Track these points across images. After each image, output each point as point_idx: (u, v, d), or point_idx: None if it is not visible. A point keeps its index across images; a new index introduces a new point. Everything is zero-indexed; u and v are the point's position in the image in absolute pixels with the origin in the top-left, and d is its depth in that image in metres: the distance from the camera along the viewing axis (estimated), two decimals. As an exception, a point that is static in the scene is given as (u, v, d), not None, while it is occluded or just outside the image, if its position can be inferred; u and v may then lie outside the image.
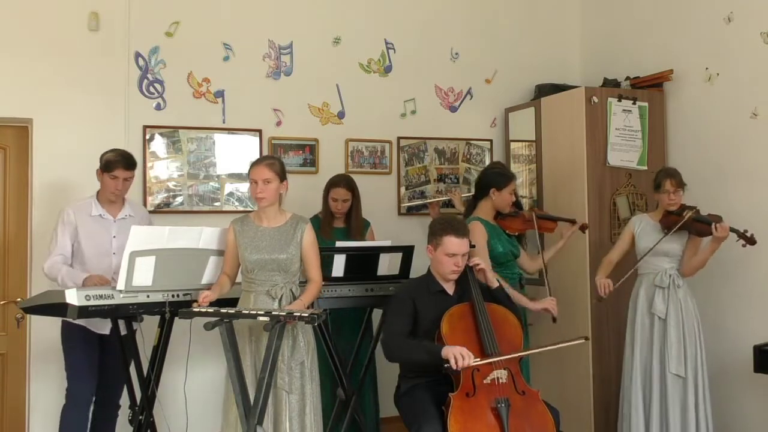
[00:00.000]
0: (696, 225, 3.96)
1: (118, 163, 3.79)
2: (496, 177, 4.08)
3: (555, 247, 4.22)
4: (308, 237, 3.55)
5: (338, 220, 4.54)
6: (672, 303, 4.00)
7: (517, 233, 4.21)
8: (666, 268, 4.04)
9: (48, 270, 3.75)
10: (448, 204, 5.08)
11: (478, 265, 3.50)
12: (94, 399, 3.84)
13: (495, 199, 4.04)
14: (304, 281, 3.60)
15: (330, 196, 4.49)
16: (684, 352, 3.96)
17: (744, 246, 3.87)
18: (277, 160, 3.58)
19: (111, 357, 3.83)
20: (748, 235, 3.84)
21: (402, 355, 3.36)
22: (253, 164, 3.56)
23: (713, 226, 3.87)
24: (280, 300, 3.47)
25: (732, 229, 3.87)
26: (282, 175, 3.53)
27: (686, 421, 3.93)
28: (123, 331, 3.65)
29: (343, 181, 4.52)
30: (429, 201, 5.02)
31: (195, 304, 3.37)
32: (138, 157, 4.54)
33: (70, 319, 3.49)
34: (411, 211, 5.23)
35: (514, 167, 5.35)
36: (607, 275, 4.12)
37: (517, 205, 4.23)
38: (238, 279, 3.63)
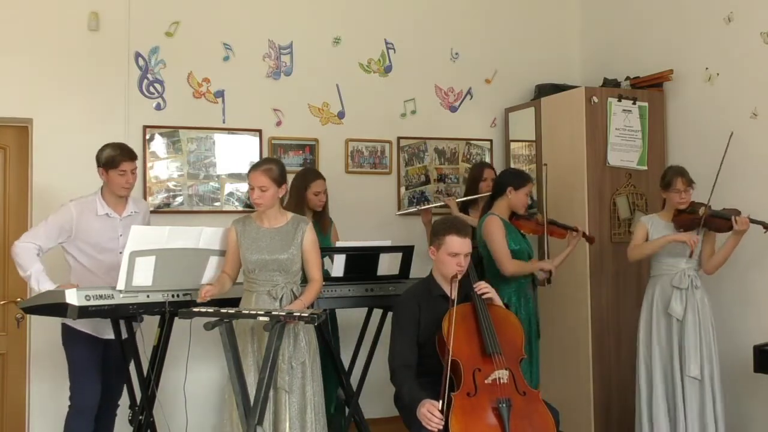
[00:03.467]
0: (714, 221, 3.91)
1: (122, 157, 3.72)
2: (514, 177, 4.19)
3: (561, 255, 4.24)
4: (309, 237, 3.55)
5: (309, 216, 4.27)
6: (690, 304, 3.94)
7: (530, 234, 4.28)
8: (684, 269, 3.97)
9: (17, 252, 3.55)
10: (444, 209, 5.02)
11: (486, 293, 3.48)
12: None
13: (511, 199, 4.11)
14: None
15: (311, 190, 4.35)
16: (701, 354, 3.91)
17: None
18: (275, 165, 3.53)
19: (112, 357, 3.82)
20: None
21: (396, 384, 3.37)
22: (251, 169, 3.54)
23: (733, 219, 3.84)
24: (281, 300, 3.47)
25: (753, 220, 3.82)
26: (280, 180, 3.50)
27: (704, 422, 3.89)
28: (124, 333, 3.65)
29: (320, 173, 4.45)
30: (422, 208, 4.98)
31: (199, 297, 3.36)
32: (138, 158, 4.56)
33: (69, 320, 3.48)
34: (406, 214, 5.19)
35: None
36: None
37: (531, 208, 4.29)
38: (240, 279, 3.64)
